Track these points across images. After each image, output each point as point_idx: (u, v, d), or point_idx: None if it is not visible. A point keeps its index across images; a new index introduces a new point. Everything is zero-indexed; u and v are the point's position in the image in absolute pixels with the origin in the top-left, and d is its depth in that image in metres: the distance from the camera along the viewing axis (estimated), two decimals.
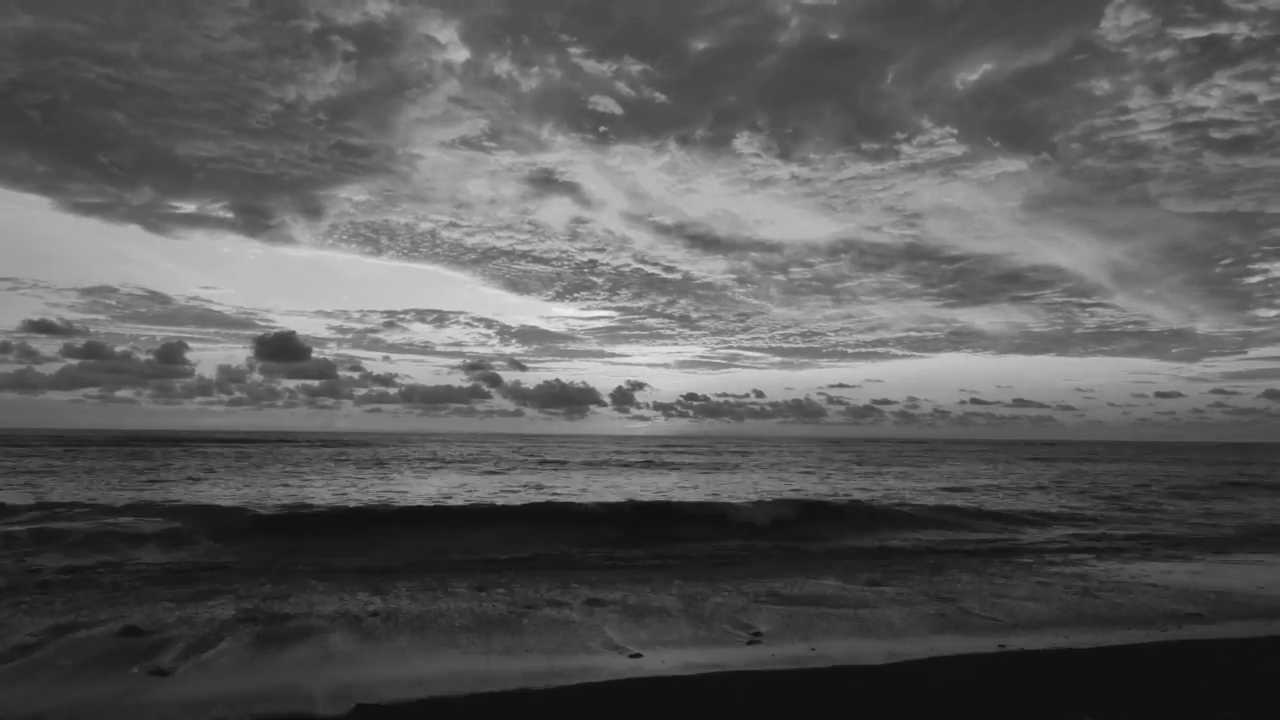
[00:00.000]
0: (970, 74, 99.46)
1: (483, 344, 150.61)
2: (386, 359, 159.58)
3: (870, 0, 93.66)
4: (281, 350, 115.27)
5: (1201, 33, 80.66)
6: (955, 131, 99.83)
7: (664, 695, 6.80)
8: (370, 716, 6.34)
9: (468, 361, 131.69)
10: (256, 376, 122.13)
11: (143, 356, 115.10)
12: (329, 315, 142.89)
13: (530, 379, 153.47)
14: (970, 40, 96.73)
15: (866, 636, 9.24)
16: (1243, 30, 79.14)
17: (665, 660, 8.08)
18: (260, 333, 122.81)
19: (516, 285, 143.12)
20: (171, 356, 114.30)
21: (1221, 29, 79.85)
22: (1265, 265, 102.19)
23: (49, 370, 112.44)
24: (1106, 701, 6.79)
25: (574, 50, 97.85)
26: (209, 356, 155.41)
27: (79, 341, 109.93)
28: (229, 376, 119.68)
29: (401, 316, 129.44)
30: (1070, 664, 8.07)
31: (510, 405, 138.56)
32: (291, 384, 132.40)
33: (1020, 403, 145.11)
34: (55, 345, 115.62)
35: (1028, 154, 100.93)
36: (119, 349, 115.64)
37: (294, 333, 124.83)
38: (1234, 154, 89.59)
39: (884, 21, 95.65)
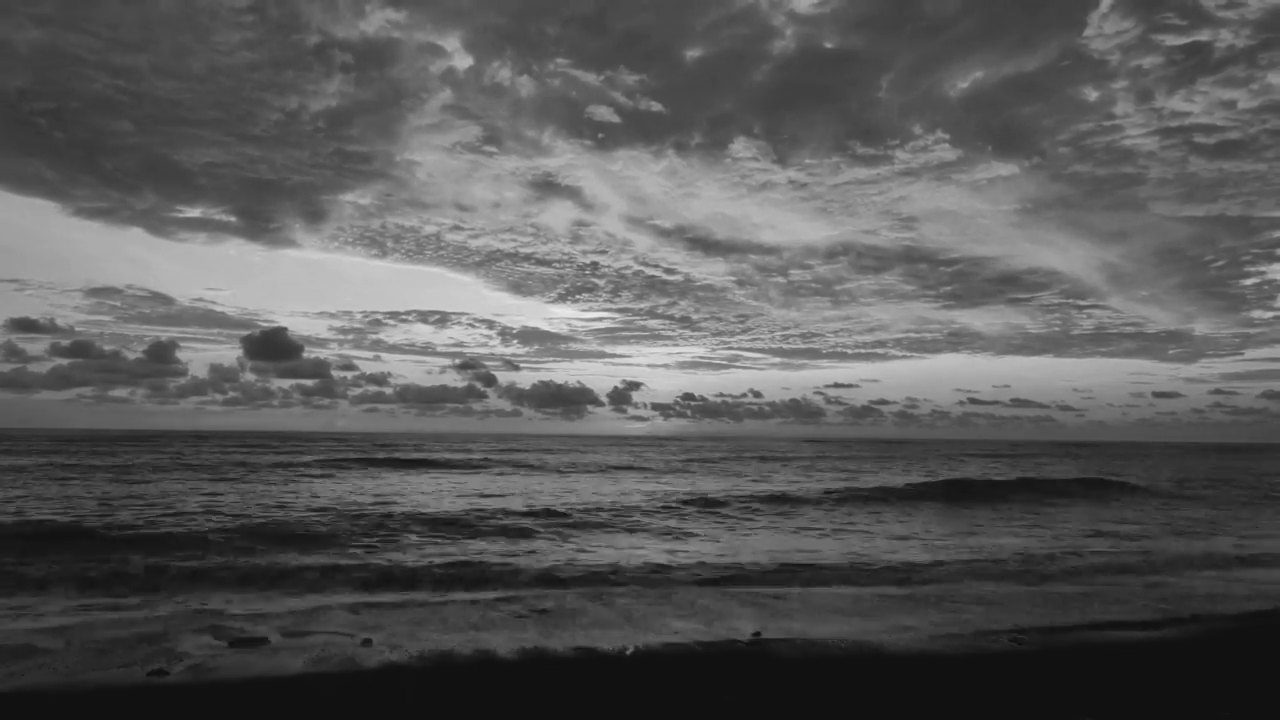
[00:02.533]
0: (961, 81, 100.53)
1: (484, 345, 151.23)
2: (377, 358, 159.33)
3: (863, 10, 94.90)
4: (272, 347, 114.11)
5: (1184, 39, 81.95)
6: (948, 137, 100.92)
7: None
8: None
9: (465, 361, 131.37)
10: (252, 376, 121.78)
11: (131, 355, 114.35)
12: (332, 316, 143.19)
13: (529, 379, 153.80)
14: (961, 48, 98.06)
15: None
16: (1225, 37, 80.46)
17: None
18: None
19: (520, 287, 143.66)
20: (164, 356, 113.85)
21: (1203, 36, 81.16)
22: (1259, 268, 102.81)
23: (39, 369, 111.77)
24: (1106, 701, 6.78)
25: (570, 60, 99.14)
26: (208, 357, 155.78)
27: (64, 340, 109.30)
28: (227, 376, 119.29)
29: (404, 318, 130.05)
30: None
31: (509, 406, 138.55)
32: (290, 383, 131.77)
33: (1018, 402, 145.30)
34: (41, 344, 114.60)
35: (1020, 158, 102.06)
36: (109, 348, 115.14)
37: (284, 329, 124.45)
38: (1219, 158, 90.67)
39: (876, 31, 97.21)
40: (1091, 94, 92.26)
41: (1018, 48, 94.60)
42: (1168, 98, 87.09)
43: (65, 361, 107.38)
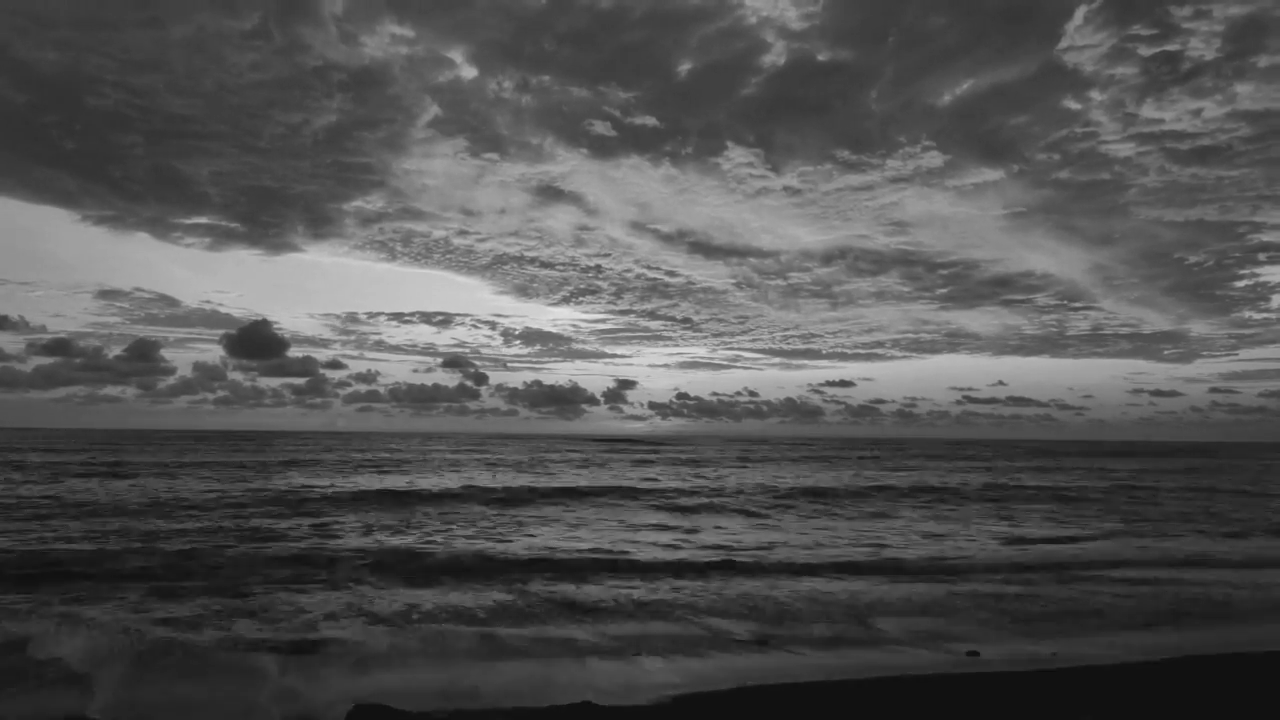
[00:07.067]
0: (948, 91, 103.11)
1: (486, 345, 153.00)
2: (361, 356, 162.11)
3: (850, 24, 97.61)
4: (257, 343, 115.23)
5: (1154, 49, 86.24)
6: (935, 144, 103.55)
7: None
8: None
9: (452, 359, 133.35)
10: (240, 375, 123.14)
11: (129, 355, 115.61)
12: (337, 318, 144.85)
13: (530, 379, 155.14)
14: (945, 60, 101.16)
15: None
16: (1196, 45, 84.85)
17: None
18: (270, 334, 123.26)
19: (525, 290, 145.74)
20: (152, 355, 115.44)
21: (1173, 46, 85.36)
22: (1248, 270, 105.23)
23: (39, 370, 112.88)
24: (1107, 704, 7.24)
25: (565, 76, 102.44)
26: (210, 358, 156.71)
27: (42, 338, 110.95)
28: (216, 375, 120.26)
29: (408, 319, 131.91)
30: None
31: (507, 405, 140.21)
32: (288, 382, 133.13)
33: (1016, 400, 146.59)
34: (38, 345, 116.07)
35: (1007, 164, 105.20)
36: (111, 349, 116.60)
37: (267, 322, 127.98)
38: (1194, 164, 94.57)
39: (864, 44, 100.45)
40: (1069, 102, 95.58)
41: (1001, 59, 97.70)
42: (1139, 105, 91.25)
43: (48, 360, 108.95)
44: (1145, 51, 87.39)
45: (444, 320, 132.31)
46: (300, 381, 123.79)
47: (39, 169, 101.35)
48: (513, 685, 7.95)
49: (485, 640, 9.53)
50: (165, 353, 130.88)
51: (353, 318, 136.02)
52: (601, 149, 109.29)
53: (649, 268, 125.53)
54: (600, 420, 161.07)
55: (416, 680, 8.08)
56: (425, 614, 10.65)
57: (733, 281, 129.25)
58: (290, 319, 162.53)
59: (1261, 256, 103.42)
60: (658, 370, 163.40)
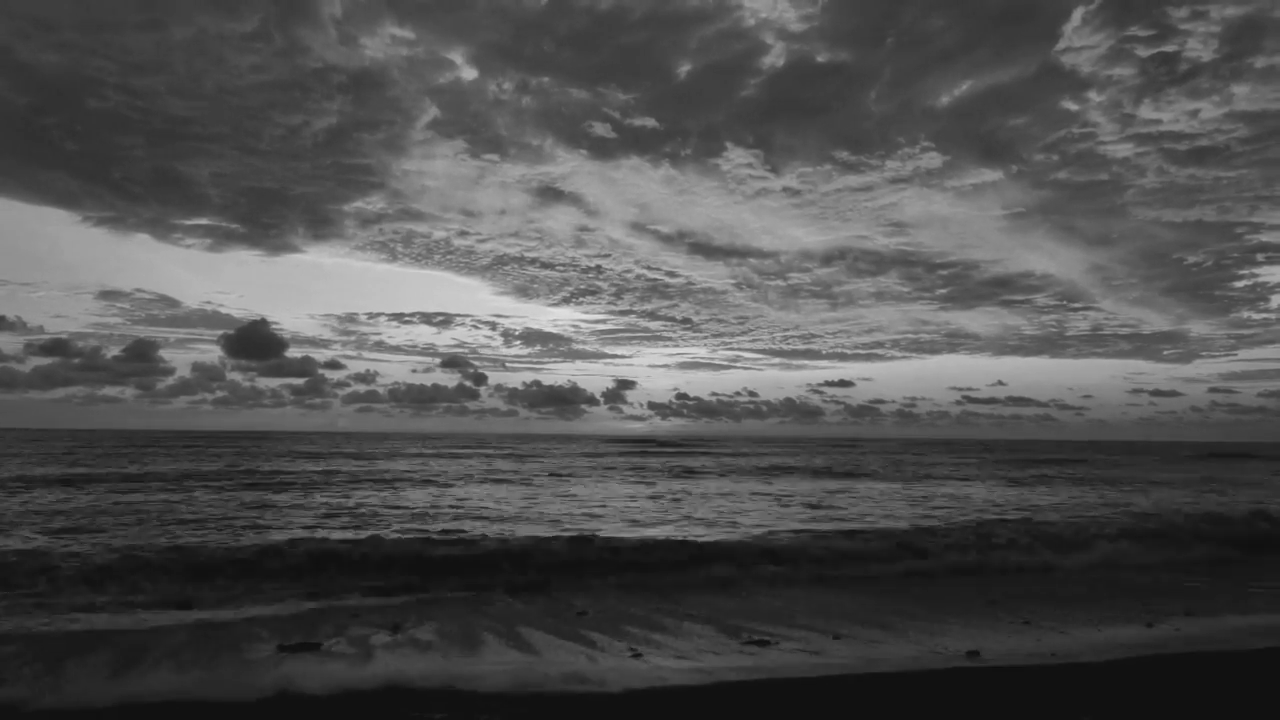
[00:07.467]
0: (946, 92, 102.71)
1: (486, 346, 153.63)
2: (360, 357, 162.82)
3: (851, 26, 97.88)
4: (255, 342, 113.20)
5: (1152, 50, 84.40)
6: (934, 145, 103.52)
7: None
8: None
9: (450, 359, 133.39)
10: (239, 376, 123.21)
11: (127, 356, 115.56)
12: (338, 319, 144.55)
13: (529, 379, 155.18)
14: (945, 61, 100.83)
15: None
16: (1193, 46, 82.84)
17: None
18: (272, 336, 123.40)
19: (525, 291, 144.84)
20: (150, 355, 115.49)
21: (1170, 47, 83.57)
22: (1247, 270, 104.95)
23: (24, 369, 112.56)
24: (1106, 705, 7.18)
25: (565, 78, 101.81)
26: (209, 359, 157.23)
27: (40, 339, 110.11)
28: (215, 375, 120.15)
29: (408, 319, 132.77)
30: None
31: (507, 406, 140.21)
32: (287, 382, 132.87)
33: (1015, 400, 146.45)
34: (38, 345, 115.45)
35: (1006, 164, 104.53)
36: (107, 349, 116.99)
37: (265, 320, 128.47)
38: (1191, 165, 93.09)
39: (863, 45, 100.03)
40: (1067, 103, 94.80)
41: (998, 60, 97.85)
42: (1136, 106, 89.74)
43: (46, 361, 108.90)
44: (1143, 52, 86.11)
45: (444, 321, 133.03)
46: (299, 382, 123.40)
47: (40, 171, 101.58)
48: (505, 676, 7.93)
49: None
50: (164, 353, 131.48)
51: (353, 318, 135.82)
52: (601, 150, 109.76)
53: (649, 268, 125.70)
54: (600, 420, 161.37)
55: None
56: None
57: (733, 282, 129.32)
58: (291, 320, 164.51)
59: (1260, 257, 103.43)
60: (657, 370, 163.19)
